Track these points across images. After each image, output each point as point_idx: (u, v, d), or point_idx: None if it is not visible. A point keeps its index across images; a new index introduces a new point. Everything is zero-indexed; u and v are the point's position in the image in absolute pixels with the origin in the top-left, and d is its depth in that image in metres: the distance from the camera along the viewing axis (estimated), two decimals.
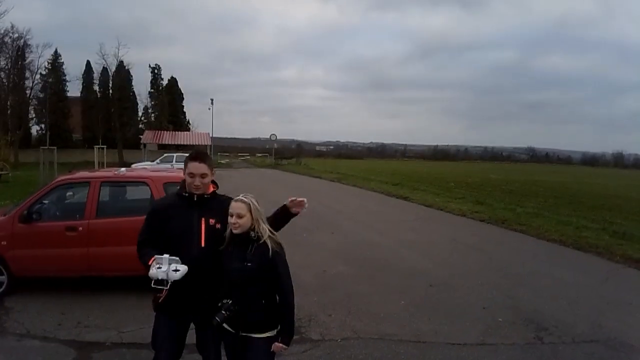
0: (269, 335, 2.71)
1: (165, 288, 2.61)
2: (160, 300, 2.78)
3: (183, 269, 2.59)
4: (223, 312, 2.62)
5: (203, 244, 2.77)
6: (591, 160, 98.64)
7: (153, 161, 27.89)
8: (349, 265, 7.41)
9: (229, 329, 2.73)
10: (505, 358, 4.34)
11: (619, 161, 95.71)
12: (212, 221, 2.80)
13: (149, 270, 2.61)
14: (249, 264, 2.64)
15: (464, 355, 4.35)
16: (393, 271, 7.17)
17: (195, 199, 2.82)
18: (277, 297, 2.72)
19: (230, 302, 2.64)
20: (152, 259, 2.63)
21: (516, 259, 8.36)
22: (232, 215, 2.67)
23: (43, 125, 45.50)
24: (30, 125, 46.55)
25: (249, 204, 2.70)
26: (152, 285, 2.63)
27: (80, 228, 5.48)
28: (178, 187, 2.97)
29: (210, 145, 42.19)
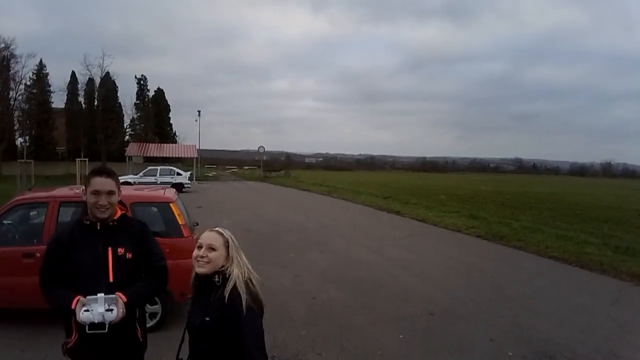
0: None
1: (104, 331, 2.19)
2: (69, 346, 2.37)
3: (119, 307, 2.21)
4: None
5: (111, 279, 2.32)
6: (579, 171, 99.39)
7: (137, 174, 26.98)
8: (341, 290, 6.80)
9: None
10: None
11: (607, 171, 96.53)
12: (120, 250, 2.37)
13: (68, 313, 2.24)
14: (208, 319, 2.04)
15: None
16: (388, 296, 6.59)
17: (99, 227, 2.35)
18: None
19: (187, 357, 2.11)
20: (76, 300, 2.20)
21: (518, 279, 7.83)
22: (200, 247, 2.10)
23: (27, 137, 44.40)
24: (16, 137, 45.39)
25: (228, 238, 2.14)
26: (88, 332, 2.19)
27: (38, 254, 4.82)
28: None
29: (197, 158, 41.41)
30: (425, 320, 5.67)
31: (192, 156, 40.47)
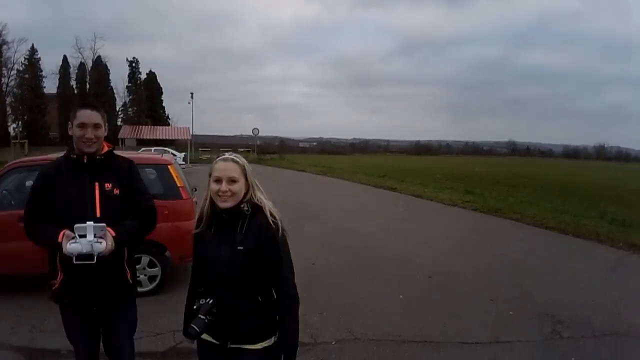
0: (266, 345, 2.00)
1: (93, 262, 2.10)
2: (54, 288, 2.31)
3: (108, 240, 2.14)
4: (202, 317, 1.90)
5: (98, 214, 2.24)
6: (573, 153, 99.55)
7: None
8: (340, 256, 6.80)
9: (211, 339, 2.03)
10: (524, 356, 3.78)
11: (600, 154, 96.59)
12: (108, 186, 2.29)
13: (54, 249, 2.20)
14: (241, 248, 1.93)
15: (477, 356, 3.79)
16: (387, 261, 6.60)
17: (85, 161, 2.27)
18: (275, 293, 2.01)
19: (211, 302, 1.93)
20: (62, 233, 2.12)
21: (517, 247, 7.87)
22: (219, 181, 1.94)
23: (20, 123, 43.91)
24: (8, 123, 44.84)
25: (244, 165, 2.00)
26: (76, 262, 2.10)
27: None
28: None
29: (191, 140, 41.13)
30: (424, 282, 5.68)
31: (186, 138, 40.19)
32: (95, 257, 2.10)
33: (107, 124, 2.40)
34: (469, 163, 50.46)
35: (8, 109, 43.40)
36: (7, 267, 4.87)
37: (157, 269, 4.99)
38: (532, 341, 4.09)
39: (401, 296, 5.17)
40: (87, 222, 2.11)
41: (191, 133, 44.21)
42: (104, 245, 2.11)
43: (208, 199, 2.00)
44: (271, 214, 1.98)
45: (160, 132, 41.34)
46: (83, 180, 2.28)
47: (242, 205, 1.97)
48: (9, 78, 40.47)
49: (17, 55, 41.15)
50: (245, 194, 1.99)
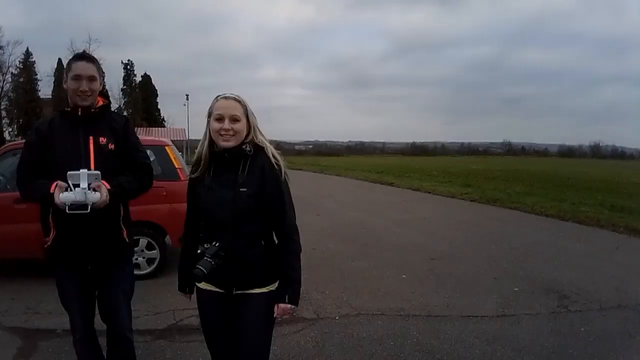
0: (271, 289, 1.95)
1: (86, 212, 2.01)
2: (46, 246, 2.23)
3: (103, 191, 2.04)
4: (209, 259, 1.82)
5: (92, 168, 2.14)
6: (568, 152, 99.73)
7: None
8: (340, 243, 6.72)
9: (215, 288, 1.97)
10: (532, 328, 3.72)
11: (596, 152, 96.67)
12: (102, 140, 2.20)
13: (46, 203, 2.12)
14: (244, 190, 1.86)
15: (484, 328, 3.71)
16: (388, 246, 6.53)
17: (80, 114, 2.19)
18: (278, 238, 1.97)
19: (217, 244, 1.85)
20: (55, 184, 2.03)
21: (517, 232, 7.83)
22: (221, 119, 1.86)
23: (15, 127, 43.64)
24: (3, 127, 44.53)
25: (246, 105, 1.91)
26: (69, 211, 2.00)
27: None
28: None
29: (187, 141, 40.97)
30: (426, 264, 5.62)
31: (182, 139, 40.06)
32: (89, 207, 2.01)
33: (103, 77, 2.32)
34: (465, 162, 50.50)
35: (3, 112, 43.17)
36: (2, 251, 4.76)
37: (155, 251, 4.90)
38: (539, 314, 4.04)
39: (404, 276, 5.11)
40: (81, 170, 2.02)
41: (187, 134, 44.13)
42: (98, 195, 2.02)
43: (207, 140, 1.93)
44: (273, 156, 1.93)
45: (156, 134, 41.13)
46: (77, 134, 2.19)
47: (244, 146, 1.90)
48: (3, 81, 40.15)
49: (12, 59, 40.82)
50: (247, 136, 1.92)
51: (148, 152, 5.00)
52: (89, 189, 2.01)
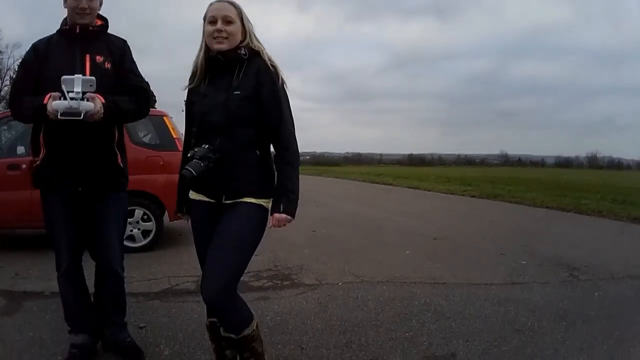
0: (262, 203, 1.84)
1: (79, 119, 1.90)
2: (35, 165, 2.13)
3: (97, 103, 1.95)
4: (197, 160, 1.72)
5: None
6: (565, 163, 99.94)
7: None
8: (340, 227, 6.57)
9: (205, 198, 1.88)
10: (542, 294, 3.56)
11: (593, 163, 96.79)
12: (99, 58, 2.12)
13: (39, 117, 2.01)
14: (238, 92, 1.78)
15: (494, 294, 3.55)
16: (388, 231, 6.38)
17: (77, 31, 2.10)
18: (275, 148, 1.87)
19: (207, 146, 1.76)
20: (48, 95, 1.93)
21: (519, 221, 7.70)
22: (214, 22, 1.78)
23: None
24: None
25: (241, 9, 1.83)
26: (60, 117, 1.90)
27: (24, 165, 4.50)
28: None
29: None
30: (429, 242, 5.48)
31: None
32: (82, 115, 1.90)
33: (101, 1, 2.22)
34: (462, 170, 50.57)
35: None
36: None
37: (151, 223, 4.74)
38: (550, 282, 3.89)
39: (407, 252, 4.97)
40: (75, 74, 1.91)
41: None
42: (92, 104, 1.92)
43: (202, 47, 1.86)
44: (269, 59, 1.84)
45: None
46: (74, 52, 2.11)
47: (239, 50, 1.81)
48: (2, 84, 39.85)
49: (11, 61, 40.55)
50: (242, 41, 1.83)
51: (146, 121, 4.96)
52: (83, 98, 1.90)
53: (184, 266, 4.15)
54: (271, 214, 1.83)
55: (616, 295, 3.56)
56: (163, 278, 3.84)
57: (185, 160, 1.83)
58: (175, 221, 5.00)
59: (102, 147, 2.14)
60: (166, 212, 4.81)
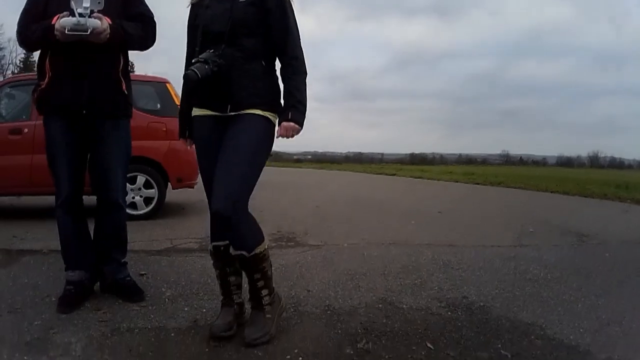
0: (269, 116, 1.77)
1: (87, 34, 1.87)
2: (40, 89, 2.08)
3: (104, 22, 1.92)
4: (202, 63, 1.65)
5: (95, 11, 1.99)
6: (566, 162, 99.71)
7: None
8: (343, 205, 6.49)
9: (209, 112, 1.80)
10: (553, 254, 3.49)
11: (594, 162, 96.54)
12: None
13: (46, 40, 1.97)
14: (242, 0, 1.72)
15: (504, 252, 3.49)
16: (393, 208, 6.28)
17: None
18: (282, 60, 1.81)
19: (212, 51, 1.69)
20: (57, 16, 1.91)
21: (524, 201, 7.61)
22: None
23: None
24: None
25: None
26: (68, 32, 1.87)
27: (26, 130, 4.45)
28: None
29: None
30: (434, 216, 5.40)
31: None
32: (88, 31, 1.87)
33: None
34: (463, 169, 50.51)
35: None
36: None
37: (153, 190, 4.66)
38: (559, 246, 3.82)
39: (413, 222, 4.89)
40: None
41: None
42: (99, 22, 1.89)
43: None
44: None
45: None
46: None
47: None
48: (4, 78, 39.71)
49: (13, 56, 40.48)
50: None
51: (148, 87, 4.89)
52: (91, 16, 1.89)
53: (187, 230, 4.09)
54: (279, 124, 1.76)
55: (627, 256, 3.49)
56: (165, 240, 3.77)
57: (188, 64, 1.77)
58: (178, 189, 4.97)
59: (108, 72, 2.10)
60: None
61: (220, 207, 1.67)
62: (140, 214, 4.58)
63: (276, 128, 1.79)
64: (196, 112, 1.85)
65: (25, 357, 1.60)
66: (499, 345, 1.79)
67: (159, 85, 4.82)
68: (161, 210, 4.79)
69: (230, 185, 1.67)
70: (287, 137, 1.75)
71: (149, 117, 4.67)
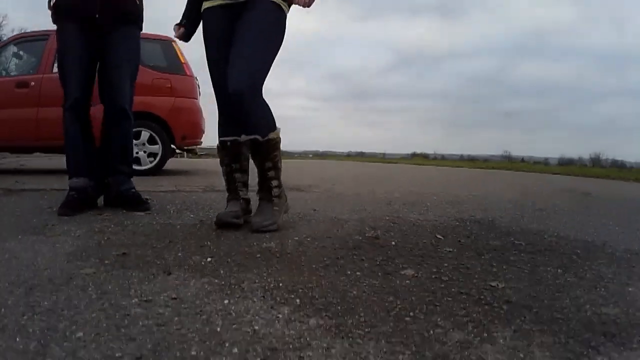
0: (281, 4, 1.75)
1: None
2: None
3: None
4: None
5: None
6: (568, 163, 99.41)
7: None
8: (343, 185, 6.47)
9: (220, 1, 1.77)
10: (563, 211, 3.46)
11: (596, 163, 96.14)
12: None
13: None
14: None
15: (509, 207, 3.45)
16: (395, 182, 6.27)
17: None
18: None
19: None
20: None
21: (525, 182, 7.55)
22: None
23: None
24: None
25: None
26: None
27: (32, 83, 4.44)
28: None
29: None
30: (437, 199, 5.36)
31: None
32: None
33: None
34: (470, 164, 50.45)
35: None
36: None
37: (157, 146, 4.62)
38: (566, 201, 3.79)
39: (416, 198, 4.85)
40: None
41: None
42: None
43: None
44: None
45: None
46: None
47: None
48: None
49: None
50: None
51: (154, 44, 4.86)
52: None
53: (191, 181, 4.06)
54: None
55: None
56: (169, 186, 3.74)
57: None
58: (181, 158, 4.93)
59: None
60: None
61: (235, 84, 1.65)
62: (144, 170, 4.54)
63: (287, 15, 1.76)
64: (206, 4, 1.82)
65: (19, 236, 1.55)
66: (512, 238, 1.76)
67: (165, 43, 4.79)
68: (164, 166, 4.75)
69: (246, 63, 1.66)
70: (305, 7, 1.72)
71: (153, 74, 4.64)
